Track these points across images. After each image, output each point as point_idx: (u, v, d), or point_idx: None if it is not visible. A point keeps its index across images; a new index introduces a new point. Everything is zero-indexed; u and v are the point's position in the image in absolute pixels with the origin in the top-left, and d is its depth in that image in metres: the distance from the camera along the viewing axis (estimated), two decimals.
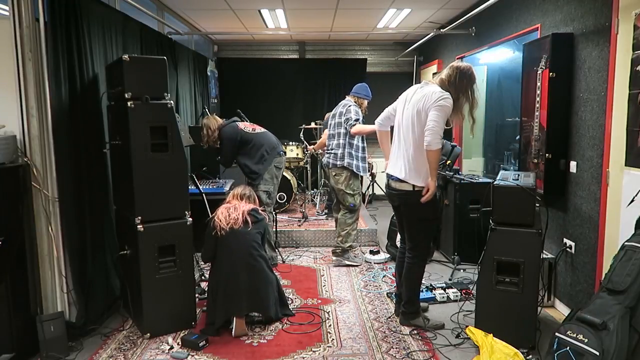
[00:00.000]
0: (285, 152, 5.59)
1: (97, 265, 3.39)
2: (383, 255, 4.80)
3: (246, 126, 4.86)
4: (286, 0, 5.32)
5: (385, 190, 3.37)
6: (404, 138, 3.12)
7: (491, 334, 2.89)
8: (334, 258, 4.75)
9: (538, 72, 3.58)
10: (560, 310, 3.58)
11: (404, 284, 3.31)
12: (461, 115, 3.10)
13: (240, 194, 3.47)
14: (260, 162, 4.69)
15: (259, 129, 4.93)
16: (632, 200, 2.71)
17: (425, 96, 3.01)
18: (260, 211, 3.41)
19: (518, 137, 4.30)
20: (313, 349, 3.03)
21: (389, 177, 3.22)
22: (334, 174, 4.67)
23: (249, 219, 3.26)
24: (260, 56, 8.39)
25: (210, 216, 3.38)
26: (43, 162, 3.03)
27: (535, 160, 3.70)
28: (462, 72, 3.04)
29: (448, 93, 2.99)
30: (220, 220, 3.23)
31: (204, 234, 3.33)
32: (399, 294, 3.43)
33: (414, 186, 3.07)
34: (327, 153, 4.84)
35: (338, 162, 4.63)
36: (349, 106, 4.63)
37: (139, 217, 3.06)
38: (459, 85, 3.03)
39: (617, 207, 2.96)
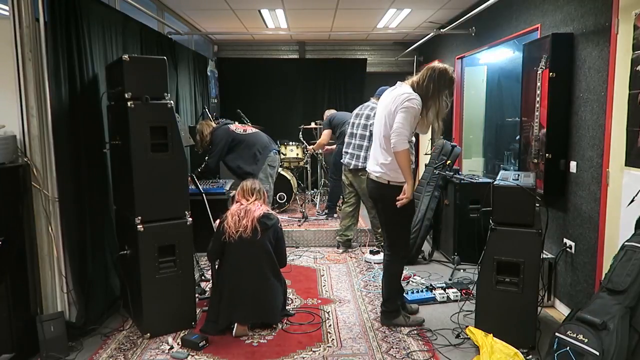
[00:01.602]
0: (279, 151, 5.59)
1: (97, 265, 3.38)
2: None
3: (237, 127, 4.89)
4: (286, 0, 5.32)
5: (367, 189, 3.43)
6: (379, 138, 3.19)
7: (491, 334, 2.89)
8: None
9: (538, 72, 3.58)
10: (560, 310, 3.58)
11: (383, 282, 3.33)
12: (426, 119, 3.13)
13: (249, 189, 3.38)
14: (253, 162, 4.71)
15: (250, 130, 4.96)
16: (632, 200, 2.71)
17: (394, 98, 3.05)
18: (271, 216, 3.32)
19: (518, 137, 4.30)
20: (313, 349, 3.03)
21: (368, 173, 3.29)
22: (360, 174, 4.68)
23: (258, 227, 3.19)
24: (260, 56, 8.40)
25: (223, 216, 3.31)
26: (43, 162, 3.03)
27: (535, 160, 3.70)
28: (432, 75, 3.04)
29: (416, 94, 3.02)
30: (230, 227, 3.19)
31: (213, 233, 3.32)
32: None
33: (388, 181, 3.13)
34: (347, 153, 4.79)
35: (360, 164, 4.63)
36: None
37: (139, 217, 3.06)
38: (426, 89, 3.04)
39: (617, 207, 2.96)
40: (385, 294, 3.34)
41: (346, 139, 4.85)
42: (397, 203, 3.05)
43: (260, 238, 3.20)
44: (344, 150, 4.86)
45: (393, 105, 3.03)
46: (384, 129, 3.10)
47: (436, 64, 3.13)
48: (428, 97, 3.05)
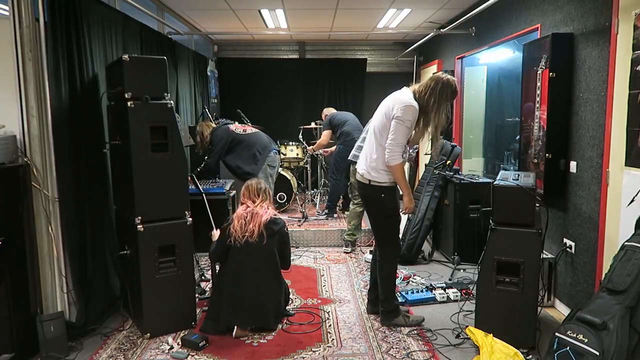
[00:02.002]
0: (279, 151, 5.58)
1: (97, 265, 3.39)
2: None
3: (237, 127, 4.89)
4: (286, 0, 5.32)
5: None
6: (370, 137, 3.24)
7: (491, 334, 2.89)
8: None
9: (538, 72, 3.58)
10: (560, 310, 3.58)
11: (378, 284, 3.36)
12: (426, 130, 3.15)
13: (255, 189, 3.33)
14: (253, 162, 4.71)
15: (250, 130, 4.96)
16: (632, 200, 2.71)
17: (395, 101, 3.08)
18: (278, 220, 3.29)
19: (518, 137, 4.30)
20: (313, 349, 3.03)
21: (356, 170, 3.36)
22: None
23: (264, 233, 3.17)
24: (260, 56, 8.40)
25: (229, 218, 3.28)
26: (43, 162, 3.03)
27: (535, 160, 3.70)
28: (434, 87, 3.02)
29: (410, 103, 3.02)
30: (236, 230, 3.16)
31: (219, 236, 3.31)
32: (369, 291, 3.58)
33: (369, 180, 3.18)
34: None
35: None
36: None
37: (139, 217, 3.06)
38: (427, 101, 3.05)
39: (617, 207, 2.96)
40: (381, 294, 3.34)
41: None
42: (403, 211, 3.17)
43: (266, 243, 3.18)
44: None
45: (392, 109, 3.06)
46: (377, 125, 3.15)
47: (441, 74, 3.11)
48: (428, 110, 3.06)
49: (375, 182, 3.16)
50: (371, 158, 3.16)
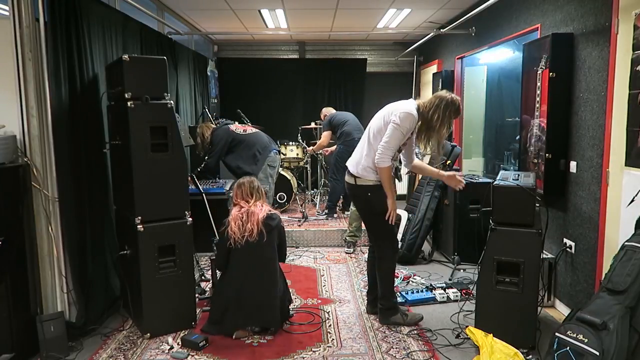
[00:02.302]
0: (279, 151, 5.59)
1: (97, 265, 3.39)
2: None
3: (237, 128, 4.89)
4: (286, 0, 5.32)
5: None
6: (364, 137, 3.29)
7: (491, 334, 2.89)
8: None
9: (538, 72, 3.58)
10: (560, 310, 3.58)
11: (377, 281, 3.37)
12: (429, 144, 3.22)
13: (248, 189, 3.29)
14: (253, 162, 4.71)
15: (250, 130, 4.96)
16: (632, 200, 2.71)
17: (395, 108, 3.14)
18: (274, 215, 3.27)
19: (518, 137, 4.30)
20: (313, 349, 3.03)
21: (346, 170, 3.40)
22: None
23: (264, 230, 3.15)
24: (260, 56, 8.40)
25: (225, 221, 3.25)
26: (43, 162, 3.03)
27: (535, 160, 3.70)
28: (439, 104, 3.11)
29: (410, 112, 3.08)
30: (235, 232, 3.13)
31: (217, 242, 3.30)
32: (367, 292, 3.59)
33: (356, 180, 3.23)
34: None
35: None
36: None
37: (139, 217, 3.06)
38: (431, 118, 3.13)
39: (617, 207, 2.95)
40: (380, 292, 3.36)
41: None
42: (385, 217, 3.19)
43: (267, 240, 3.17)
44: None
45: (391, 114, 3.12)
46: (374, 127, 3.20)
47: (445, 93, 3.18)
48: (432, 125, 3.13)
49: (362, 182, 3.21)
50: (361, 155, 3.22)
